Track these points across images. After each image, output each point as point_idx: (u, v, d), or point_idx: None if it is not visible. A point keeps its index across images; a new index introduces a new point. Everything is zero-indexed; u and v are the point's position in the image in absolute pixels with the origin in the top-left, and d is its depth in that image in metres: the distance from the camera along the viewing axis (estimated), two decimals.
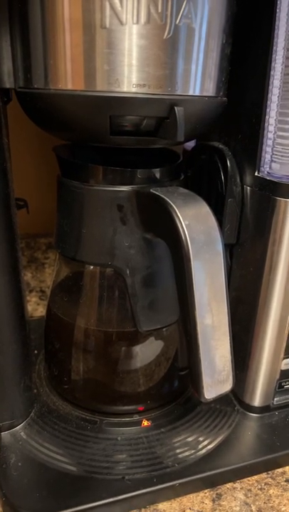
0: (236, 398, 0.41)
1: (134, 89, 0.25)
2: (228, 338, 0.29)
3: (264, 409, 0.40)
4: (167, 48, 0.25)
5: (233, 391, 0.41)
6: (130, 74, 0.25)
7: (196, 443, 0.36)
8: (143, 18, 0.24)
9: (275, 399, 0.40)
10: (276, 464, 0.36)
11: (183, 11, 0.24)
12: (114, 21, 0.24)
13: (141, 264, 0.33)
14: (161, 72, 0.25)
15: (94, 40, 0.24)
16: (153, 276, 0.34)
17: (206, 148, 0.38)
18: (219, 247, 0.28)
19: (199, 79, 0.27)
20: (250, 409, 0.40)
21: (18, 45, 0.27)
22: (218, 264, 0.28)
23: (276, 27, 0.29)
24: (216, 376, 0.28)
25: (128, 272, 0.33)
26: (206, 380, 0.28)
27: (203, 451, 0.35)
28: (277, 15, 0.29)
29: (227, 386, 0.29)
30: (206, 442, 0.36)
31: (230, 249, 0.38)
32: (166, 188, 0.30)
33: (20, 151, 0.52)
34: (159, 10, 0.24)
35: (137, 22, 0.24)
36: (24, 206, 0.42)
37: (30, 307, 0.58)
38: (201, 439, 0.36)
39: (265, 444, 0.37)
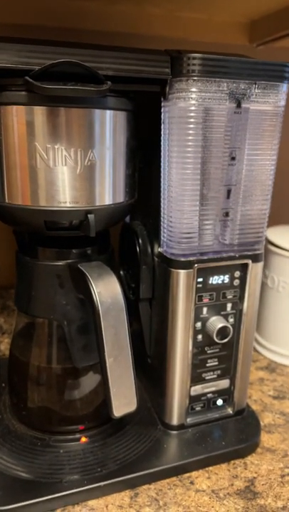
0: (160, 419, 0.52)
1: (59, 205, 0.38)
2: (131, 372, 0.40)
3: (180, 427, 0.51)
4: (80, 179, 0.38)
5: (157, 413, 0.52)
6: (57, 195, 0.38)
7: (121, 454, 0.47)
8: (61, 163, 0.37)
9: (188, 419, 0.51)
10: (184, 470, 0.47)
11: (89, 156, 0.37)
12: (43, 164, 0.37)
13: (75, 317, 0.45)
14: (77, 193, 0.38)
15: (36, 175, 0.37)
16: (85, 326, 0.45)
17: (129, 226, 0.51)
18: (122, 307, 0.40)
19: (107, 193, 0.40)
20: (170, 427, 0.51)
21: None
22: (122, 319, 0.40)
23: (162, 154, 0.43)
24: (122, 400, 0.40)
25: (65, 323, 0.44)
26: (115, 402, 0.39)
27: (127, 459, 0.46)
28: (162, 144, 0.42)
29: (132, 407, 0.40)
30: (129, 453, 0.47)
31: (150, 302, 0.50)
32: (91, 263, 0.43)
33: None
34: (72, 157, 0.37)
35: (58, 165, 0.37)
36: None
37: (3, 347, 0.68)
38: (125, 451, 0.47)
39: (176, 455, 0.48)
